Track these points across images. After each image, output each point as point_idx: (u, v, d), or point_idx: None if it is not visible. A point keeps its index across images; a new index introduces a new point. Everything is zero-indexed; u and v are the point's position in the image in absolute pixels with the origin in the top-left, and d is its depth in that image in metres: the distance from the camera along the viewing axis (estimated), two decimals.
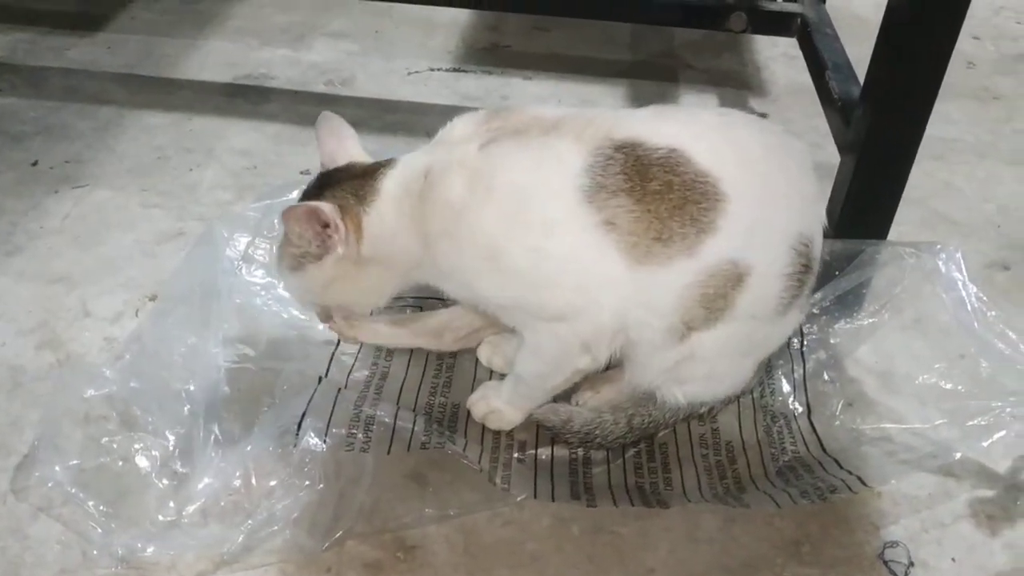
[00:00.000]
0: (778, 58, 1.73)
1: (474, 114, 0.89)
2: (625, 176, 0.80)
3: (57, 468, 0.87)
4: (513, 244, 0.81)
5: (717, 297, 0.83)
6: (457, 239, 0.82)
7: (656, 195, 0.80)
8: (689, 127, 0.85)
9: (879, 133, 1.01)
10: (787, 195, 0.86)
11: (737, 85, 1.65)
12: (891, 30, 1.01)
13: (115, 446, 0.91)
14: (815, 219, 0.88)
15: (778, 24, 1.38)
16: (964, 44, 1.84)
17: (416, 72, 1.63)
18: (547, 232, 0.81)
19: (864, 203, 1.06)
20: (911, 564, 0.86)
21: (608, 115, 0.85)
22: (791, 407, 0.99)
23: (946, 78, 1.73)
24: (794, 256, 0.85)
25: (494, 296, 0.85)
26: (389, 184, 0.86)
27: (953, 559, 0.87)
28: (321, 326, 1.02)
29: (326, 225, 0.84)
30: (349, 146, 0.92)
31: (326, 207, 0.84)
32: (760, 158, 0.85)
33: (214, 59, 1.64)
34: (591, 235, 0.80)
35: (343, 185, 0.87)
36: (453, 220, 0.82)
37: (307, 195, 0.90)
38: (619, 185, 0.80)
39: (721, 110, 0.90)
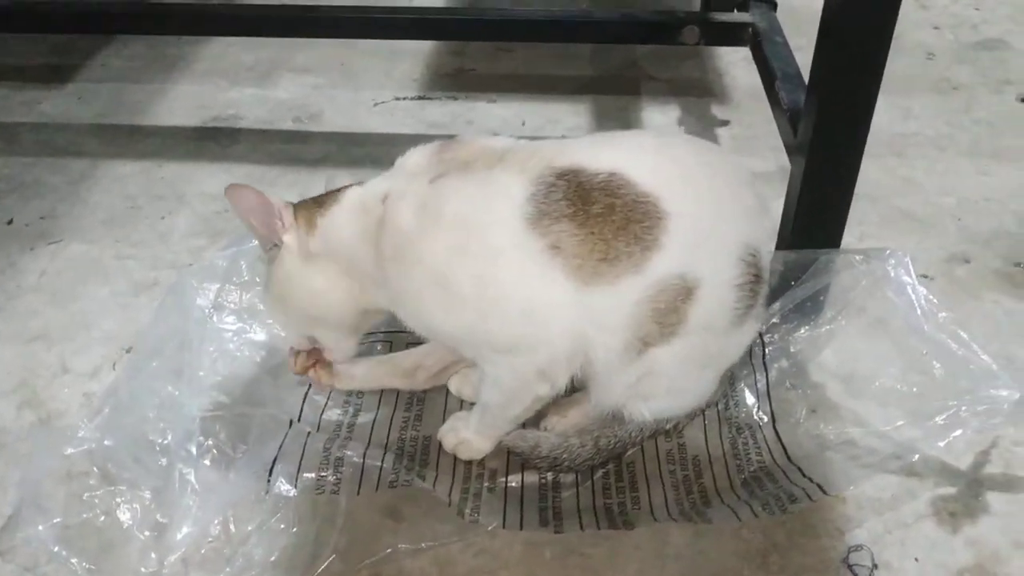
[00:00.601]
0: (739, 63, 1.75)
1: (427, 145, 0.93)
2: (568, 202, 0.83)
3: (40, 527, 0.89)
4: (460, 271, 0.84)
5: (669, 312, 0.85)
6: (407, 265, 0.86)
7: (599, 217, 0.83)
8: (628, 151, 0.88)
9: (823, 137, 1.03)
10: (729, 208, 0.89)
11: (699, 93, 1.68)
12: (826, 37, 1.02)
13: (97, 501, 0.93)
14: (759, 230, 0.91)
15: (730, 35, 1.41)
16: (924, 35, 1.87)
17: (382, 102, 1.65)
18: (492, 259, 0.84)
19: (815, 209, 1.07)
20: (875, 567, 0.88)
21: (551, 145, 0.88)
22: (756, 417, 1.01)
23: (907, 71, 1.76)
24: (743, 267, 0.87)
25: (444, 325, 0.87)
26: (351, 196, 0.92)
27: (916, 559, 0.89)
28: (298, 378, 1.03)
29: (270, 216, 0.91)
30: None
31: (271, 197, 0.91)
32: (699, 175, 0.88)
33: (183, 103, 1.66)
34: (537, 260, 0.83)
35: (312, 198, 0.95)
36: (404, 246, 0.86)
37: None
38: (562, 211, 0.83)
39: (658, 132, 0.93)
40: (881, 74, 0.99)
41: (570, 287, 0.83)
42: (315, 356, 1.01)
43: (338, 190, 0.94)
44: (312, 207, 0.93)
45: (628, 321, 0.85)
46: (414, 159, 0.93)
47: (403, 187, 0.88)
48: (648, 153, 0.88)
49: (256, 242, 0.98)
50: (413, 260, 0.85)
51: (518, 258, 0.83)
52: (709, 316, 0.87)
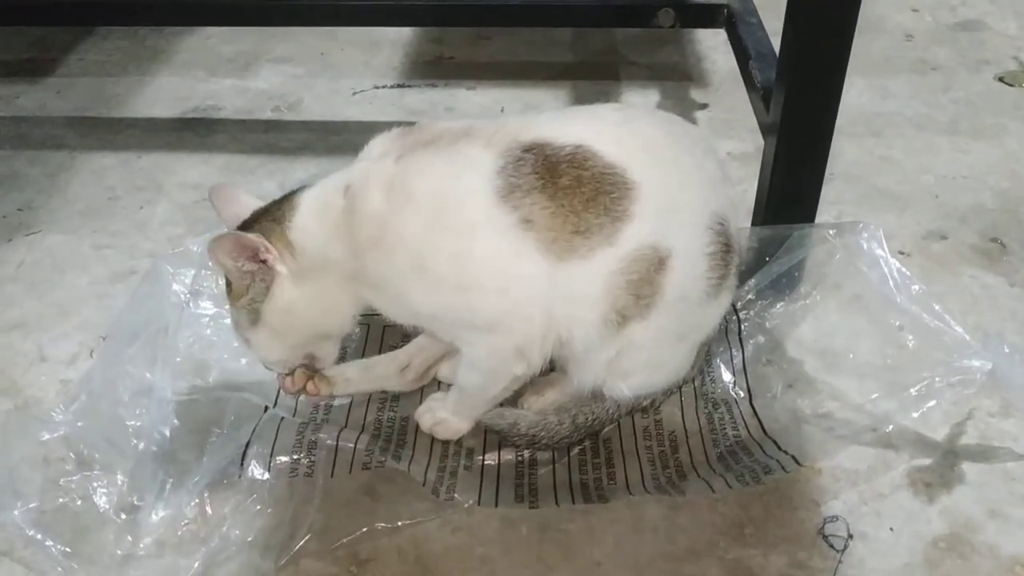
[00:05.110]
0: (719, 46, 1.75)
1: (389, 132, 0.91)
2: (536, 175, 0.83)
3: (16, 512, 0.89)
4: (437, 249, 0.83)
5: (644, 283, 0.85)
6: (384, 249, 0.85)
7: (568, 190, 0.83)
8: (591, 124, 0.88)
9: (794, 114, 1.03)
10: (695, 178, 0.89)
11: (679, 77, 1.68)
12: (794, 15, 1.02)
13: (73, 486, 0.93)
14: (725, 200, 0.91)
15: (706, 17, 1.41)
16: (903, 17, 1.88)
17: (361, 91, 1.65)
18: (469, 234, 0.83)
19: (789, 185, 1.08)
20: (850, 537, 0.88)
21: (514, 120, 0.88)
22: (732, 393, 1.02)
23: (885, 52, 1.77)
24: (712, 235, 0.88)
25: (425, 305, 0.87)
26: (306, 199, 0.89)
27: (891, 529, 0.89)
28: (291, 395, 0.99)
29: (255, 254, 0.87)
30: (249, 202, 0.94)
31: (250, 235, 0.87)
32: (664, 145, 0.89)
33: (163, 95, 1.66)
34: (511, 235, 0.83)
35: (259, 219, 0.90)
36: (378, 230, 0.85)
37: None
38: (532, 184, 0.83)
39: (619, 105, 0.93)
40: (848, 50, 0.99)
41: (544, 262, 0.83)
42: (308, 370, 0.98)
43: (284, 199, 0.90)
44: (274, 226, 0.88)
45: (604, 294, 0.85)
46: (377, 146, 0.91)
47: (365, 172, 0.87)
48: (612, 125, 0.88)
49: None
50: (392, 244, 0.84)
51: (492, 233, 0.83)
52: (684, 286, 0.87)
